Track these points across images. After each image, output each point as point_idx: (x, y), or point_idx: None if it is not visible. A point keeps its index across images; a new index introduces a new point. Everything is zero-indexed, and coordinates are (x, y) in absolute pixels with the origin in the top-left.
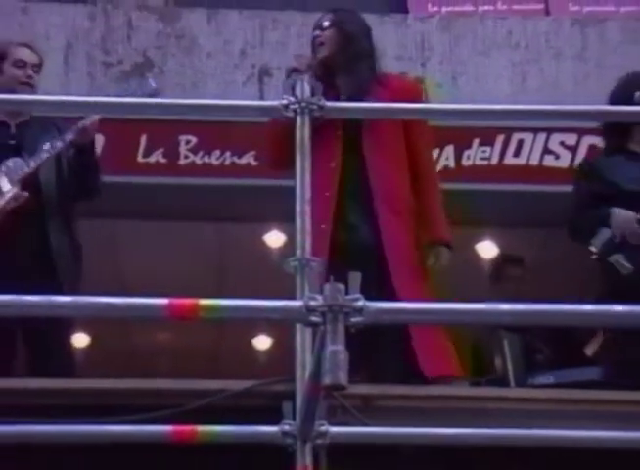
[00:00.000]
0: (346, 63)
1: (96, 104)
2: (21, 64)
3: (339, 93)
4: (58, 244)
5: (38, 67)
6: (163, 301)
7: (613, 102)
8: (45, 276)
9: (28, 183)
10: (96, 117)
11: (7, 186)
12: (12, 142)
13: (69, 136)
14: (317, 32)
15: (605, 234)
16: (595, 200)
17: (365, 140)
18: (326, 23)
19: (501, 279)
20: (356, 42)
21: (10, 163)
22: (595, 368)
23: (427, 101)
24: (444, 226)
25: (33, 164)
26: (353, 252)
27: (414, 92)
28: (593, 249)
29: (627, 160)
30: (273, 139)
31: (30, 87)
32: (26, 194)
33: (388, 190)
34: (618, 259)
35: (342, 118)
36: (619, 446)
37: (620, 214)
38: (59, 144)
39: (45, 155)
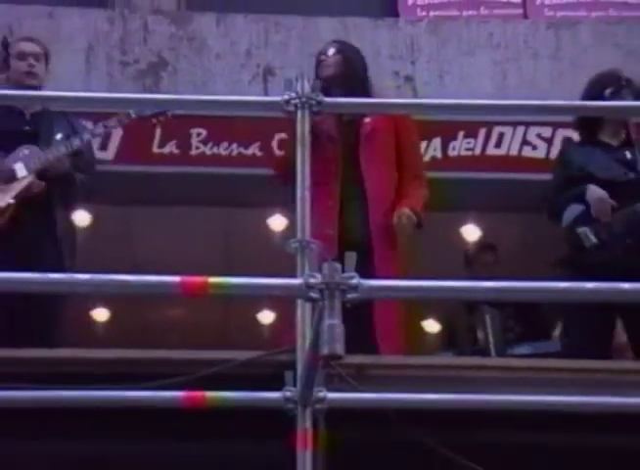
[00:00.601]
0: (346, 84)
1: (114, 100)
2: (22, 56)
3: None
4: (62, 229)
5: (40, 56)
6: (176, 279)
7: (585, 98)
8: (51, 259)
9: (41, 173)
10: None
11: (23, 172)
12: (27, 129)
13: (87, 136)
14: (323, 57)
15: (577, 208)
16: (570, 186)
17: (362, 155)
18: (332, 51)
19: (474, 265)
20: (356, 69)
21: (26, 149)
22: (559, 342)
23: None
24: (417, 200)
25: (51, 156)
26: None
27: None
28: (564, 222)
29: (599, 150)
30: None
31: (33, 76)
32: (43, 184)
33: (379, 196)
34: (586, 232)
35: (341, 137)
36: (585, 409)
37: (595, 190)
38: (77, 142)
39: (63, 149)
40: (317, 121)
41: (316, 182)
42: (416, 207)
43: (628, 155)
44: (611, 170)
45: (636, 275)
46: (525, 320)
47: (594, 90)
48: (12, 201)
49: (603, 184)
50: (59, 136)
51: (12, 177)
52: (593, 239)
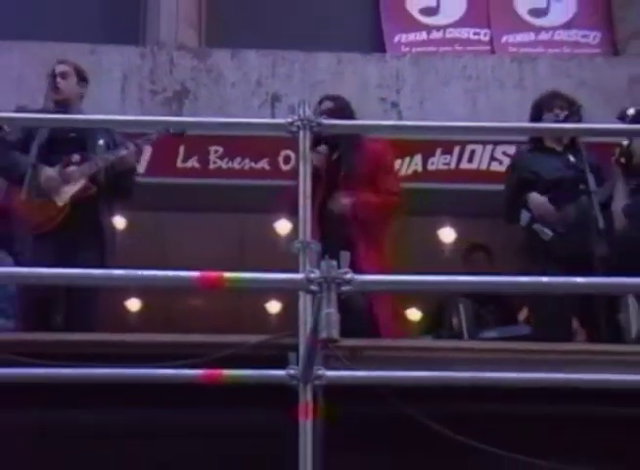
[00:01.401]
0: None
1: (146, 122)
2: (51, 76)
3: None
4: (106, 223)
5: (67, 74)
6: (196, 274)
7: (531, 119)
8: (94, 256)
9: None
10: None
11: (77, 176)
12: (73, 135)
13: (131, 146)
14: (324, 108)
15: (526, 215)
16: (521, 186)
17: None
18: (330, 104)
19: (466, 263)
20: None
21: (77, 156)
22: (527, 326)
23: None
24: (365, 201)
25: (100, 163)
26: None
27: (381, 150)
28: (522, 223)
29: (546, 155)
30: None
31: (57, 91)
32: (95, 188)
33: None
34: (541, 228)
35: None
36: (543, 385)
37: (535, 198)
38: (122, 151)
39: (110, 157)
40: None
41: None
42: (360, 203)
43: (571, 158)
44: (556, 172)
45: (591, 260)
46: (495, 308)
47: (535, 113)
48: (68, 201)
49: (552, 184)
50: (101, 142)
51: (67, 180)
52: (548, 232)
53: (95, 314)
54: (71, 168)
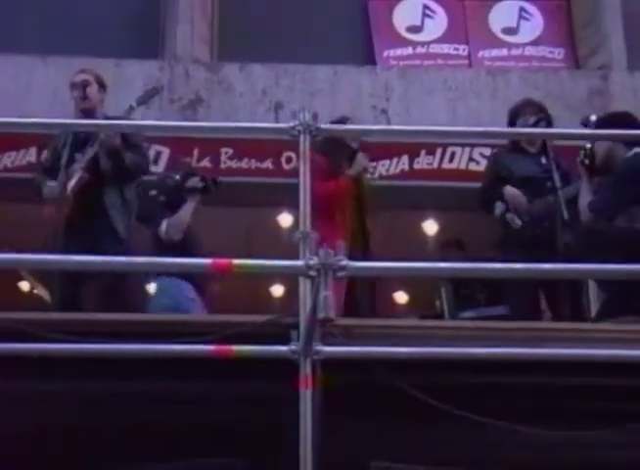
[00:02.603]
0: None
1: (165, 127)
2: (75, 86)
3: None
4: (110, 201)
5: (89, 82)
6: (208, 261)
7: (508, 124)
8: (103, 227)
9: (90, 167)
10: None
11: (78, 169)
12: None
13: (96, 146)
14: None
15: (501, 206)
16: (497, 181)
17: None
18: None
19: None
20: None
21: (80, 154)
22: (501, 307)
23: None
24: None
25: (90, 152)
26: None
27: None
28: (496, 212)
29: (522, 155)
30: None
31: (85, 100)
32: (87, 175)
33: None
34: (513, 217)
35: None
36: (512, 358)
37: (510, 190)
38: (90, 150)
39: (96, 146)
40: None
41: None
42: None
43: (543, 160)
44: (528, 170)
45: (553, 249)
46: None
47: (510, 119)
48: (69, 194)
49: (523, 181)
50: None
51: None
52: (518, 222)
53: (118, 297)
54: (73, 166)
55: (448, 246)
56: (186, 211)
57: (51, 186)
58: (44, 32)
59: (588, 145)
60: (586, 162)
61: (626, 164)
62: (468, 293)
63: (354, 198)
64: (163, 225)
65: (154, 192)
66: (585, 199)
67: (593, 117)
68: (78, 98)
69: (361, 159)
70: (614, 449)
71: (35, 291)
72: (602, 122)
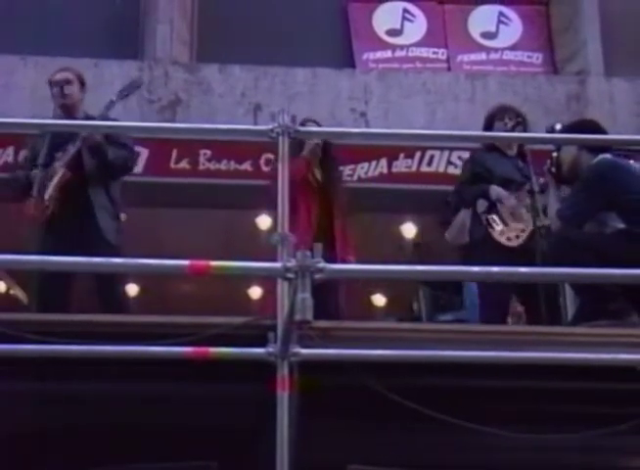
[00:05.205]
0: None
1: (143, 128)
2: (55, 83)
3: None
4: (96, 199)
5: (71, 80)
6: (186, 262)
7: (484, 128)
8: (89, 225)
9: (73, 165)
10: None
11: (59, 167)
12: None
13: (79, 143)
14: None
15: (483, 204)
16: (474, 180)
17: None
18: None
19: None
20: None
21: (61, 152)
22: (476, 311)
23: None
24: None
25: (72, 149)
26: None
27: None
28: (478, 210)
29: (500, 156)
30: None
31: (65, 96)
32: (69, 173)
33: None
34: (495, 218)
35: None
36: (495, 362)
37: (497, 189)
38: (72, 147)
39: (78, 142)
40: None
41: None
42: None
43: (520, 163)
44: (507, 172)
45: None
46: (450, 294)
47: (488, 122)
48: (52, 193)
49: (502, 181)
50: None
51: (52, 176)
52: (500, 224)
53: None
54: (54, 164)
55: (406, 247)
56: None
57: (35, 172)
58: (23, 32)
59: (554, 153)
60: (553, 169)
61: (592, 170)
62: (446, 296)
63: (322, 198)
64: None
65: None
66: (554, 207)
67: (558, 126)
68: (57, 94)
69: (309, 142)
70: (584, 453)
71: (11, 291)
72: (567, 130)
